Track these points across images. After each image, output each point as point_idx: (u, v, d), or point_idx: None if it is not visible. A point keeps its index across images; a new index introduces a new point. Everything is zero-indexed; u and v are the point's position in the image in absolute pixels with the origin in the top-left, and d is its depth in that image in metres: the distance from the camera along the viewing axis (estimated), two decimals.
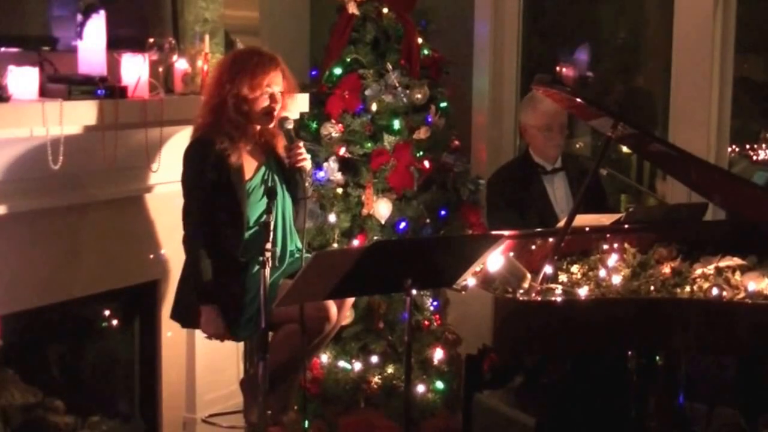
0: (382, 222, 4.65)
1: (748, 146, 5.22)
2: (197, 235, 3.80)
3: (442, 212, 4.80)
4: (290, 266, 3.91)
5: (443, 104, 4.87)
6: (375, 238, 4.60)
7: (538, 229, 3.90)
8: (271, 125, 3.89)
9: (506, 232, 3.62)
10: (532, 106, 4.45)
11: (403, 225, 4.67)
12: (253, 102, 3.81)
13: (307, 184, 3.93)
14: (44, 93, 3.65)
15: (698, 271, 3.61)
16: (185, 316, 3.91)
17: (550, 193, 4.47)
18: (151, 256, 4.30)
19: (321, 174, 4.65)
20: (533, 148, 4.52)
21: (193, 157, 3.82)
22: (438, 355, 4.74)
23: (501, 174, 4.61)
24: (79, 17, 3.75)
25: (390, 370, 4.69)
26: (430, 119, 4.76)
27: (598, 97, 5.45)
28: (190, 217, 3.83)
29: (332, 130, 4.69)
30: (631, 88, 5.67)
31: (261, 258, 3.43)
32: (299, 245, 3.99)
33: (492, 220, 4.49)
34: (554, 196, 4.47)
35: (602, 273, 3.61)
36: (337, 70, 4.80)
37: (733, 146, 5.04)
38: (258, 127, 3.89)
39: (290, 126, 3.91)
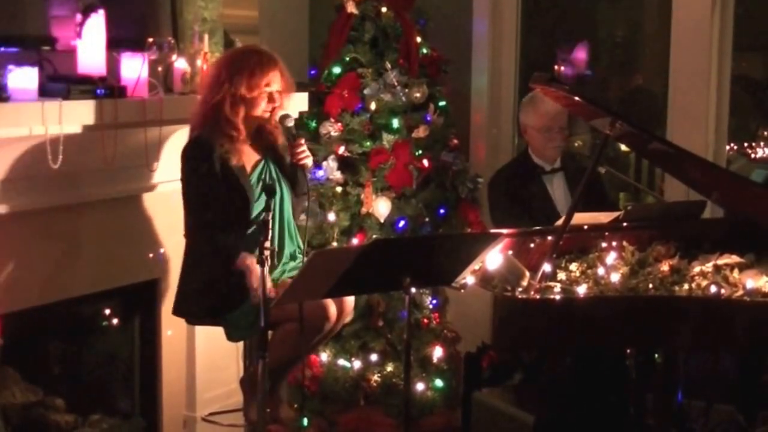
0: (381, 220, 4.66)
1: (746, 144, 5.23)
2: (209, 225, 3.79)
3: (441, 210, 4.81)
4: (291, 272, 3.91)
5: (442, 103, 4.88)
6: (374, 236, 4.61)
7: (537, 228, 3.90)
8: (269, 124, 3.90)
9: (505, 231, 3.63)
10: (533, 107, 4.45)
11: (402, 223, 4.68)
12: (251, 102, 3.81)
13: (308, 179, 3.95)
14: (44, 93, 3.65)
15: (696, 269, 3.61)
16: (191, 310, 3.89)
17: (550, 193, 4.48)
18: (151, 254, 4.31)
19: (320, 173, 4.66)
20: (532, 149, 4.52)
21: (193, 155, 3.82)
22: (437, 353, 4.75)
23: (501, 174, 4.61)
24: (79, 17, 3.74)
25: (389, 368, 4.70)
26: (428, 118, 4.77)
27: (597, 96, 5.46)
28: (196, 212, 3.82)
29: (331, 128, 4.70)
30: (635, 87, 5.68)
31: (260, 257, 3.44)
32: (300, 244, 3.99)
33: (496, 220, 4.49)
34: (554, 196, 4.47)
35: (601, 271, 3.62)
36: (336, 69, 4.80)
37: (731, 144, 5.05)
38: (252, 127, 3.89)
39: (291, 124, 3.91)
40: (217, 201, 3.79)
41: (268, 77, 3.82)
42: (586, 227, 3.88)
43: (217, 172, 3.78)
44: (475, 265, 3.44)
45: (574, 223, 3.64)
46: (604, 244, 3.83)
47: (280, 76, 3.87)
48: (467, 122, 5.33)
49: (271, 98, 3.84)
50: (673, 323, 3.36)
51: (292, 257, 3.97)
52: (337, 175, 4.68)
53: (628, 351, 4.10)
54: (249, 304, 3.72)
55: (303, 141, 3.95)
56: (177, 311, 3.96)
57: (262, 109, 3.84)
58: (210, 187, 3.79)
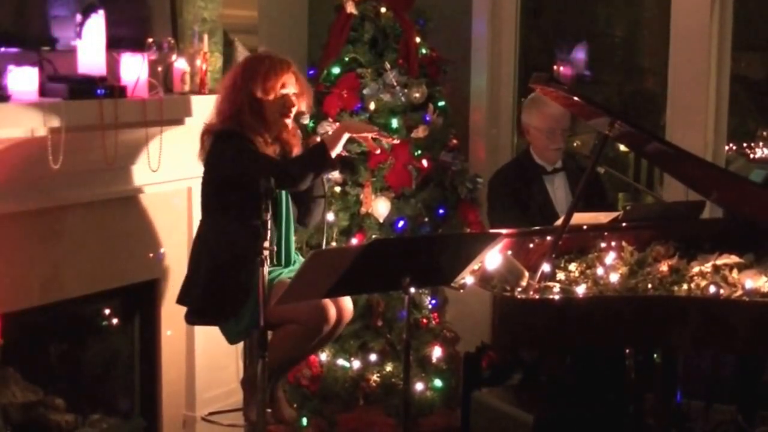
0: (381, 220, 4.67)
1: (745, 144, 5.24)
2: (274, 167, 3.75)
3: (441, 211, 4.81)
4: (290, 273, 3.91)
5: (441, 103, 4.88)
6: (373, 236, 4.61)
7: (536, 228, 3.91)
8: (288, 127, 3.91)
9: (504, 231, 3.63)
10: (538, 108, 4.45)
11: (401, 223, 4.69)
12: (268, 105, 3.83)
13: (324, 181, 3.97)
14: (44, 93, 3.66)
15: (696, 269, 3.61)
16: (214, 312, 3.86)
17: (551, 193, 4.48)
18: (151, 255, 4.31)
19: None
20: (534, 149, 4.52)
21: (232, 137, 3.80)
22: (436, 353, 4.76)
23: (501, 174, 4.61)
24: (79, 17, 3.75)
25: (389, 368, 4.70)
26: (428, 118, 4.77)
27: (596, 96, 5.46)
28: (262, 167, 3.75)
29: (329, 129, 4.70)
30: (634, 87, 5.69)
31: (259, 257, 3.44)
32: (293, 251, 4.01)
33: (494, 219, 4.50)
34: (554, 196, 4.48)
35: (600, 271, 3.62)
36: (336, 69, 4.81)
37: (730, 144, 5.06)
38: (277, 130, 3.91)
39: (306, 121, 3.95)
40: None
41: (283, 79, 3.84)
42: (585, 227, 3.88)
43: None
44: (475, 265, 3.45)
45: (573, 223, 3.64)
46: (603, 244, 3.84)
47: (295, 79, 3.89)
48: (466, 122, 5.33)
49: (287, 100, 3.86)
50: (672, 323, 3.37)
51: (287, 263, 3.98)
52: (336, 175, 4.68)
53: (628, 351, 4.10)
54: (246, 309, 3.74)
55: (318, 139, 4.05)
56: (201, 317, 3.93)
57: (278, 111, 3.85)
58: (264, 160, 3.78)
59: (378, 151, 4.20)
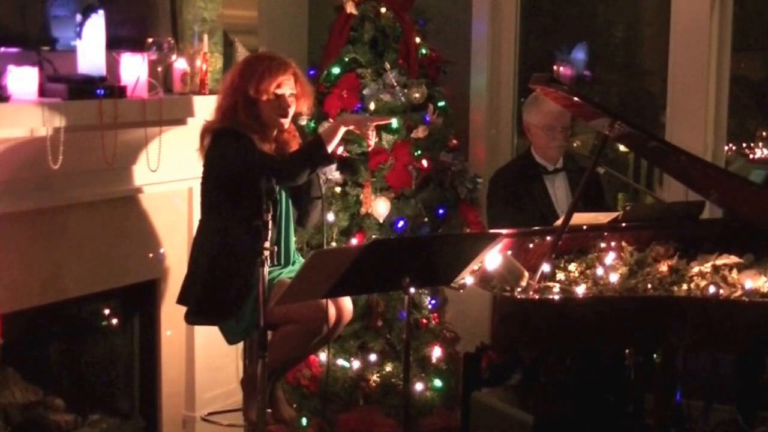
0: (381, 221, 4.67)
1: (744, 144, 5.24)
2: (270, 161, 3.80)
3: (440, 211, 4.81)
4: (290, 273, 3.92)
5: (441, 103, 4.88)
6: (373, 236, 4.61)
7: (536, 228, 3.91)
8: (284, 127, 3.92)
9: (504, 231, 3.63)
10: (537, 106, 4.46)
11: (401, 224, 4.68)
12: (262, 105, 3.83)
13: (321, 182, 3.96)
14: (44, 93, 3.66)
15: (695, 269, 3.62)
16: (214, 311, 3.87)
17: (551, 193, 4.48)
18: (151, 255, 4.31)
19: None
20: (535, 148, 4.53)
21: (231, 136, 3.82)
22: (436, 353, 4.75)
23: (502, 173, 4.61)
24: (79, 17, 3.75)
25: (388, 368, 4.70)
26: (428, 118, 4.77)
27: (596, 96, 5.46)
28: (259, 161, 3.79)
29: None
30: (634, 87, 5.69)
31: (260, 257, 3.45)
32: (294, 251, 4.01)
33: (492, 218, 4.50)
34: (555, 196, 4.48)
35: (600, 271, 3.62)
36: (336, 70, 4.80)
37: (730, 144, 5.06)
38: (274, 130, 3.91)
39: (304, 123, 3.96)
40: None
41: (278, 80, 3.84)
42: (585, 227, 3.88)
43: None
44: (474, 265, 3.45)
45: (573, 223, 3.64)
46: (603, 245, 3.84)
47: (294, 80, 3.89)
48: (466, 123, 5.33)
49: (282, 101, 3.86)
50: (672, 323, 3.37)
51: (287, 262, 3.98)
52: (336, 176, 4.68)
53: (627, 351, 4.10)
54: (246, 309, 3.74)
55: None
56: (196, 316, 3.93)
57: (274, 112, 3.85)
58: (261, 155, 3.79)
59: (373, 142, 4.12)
